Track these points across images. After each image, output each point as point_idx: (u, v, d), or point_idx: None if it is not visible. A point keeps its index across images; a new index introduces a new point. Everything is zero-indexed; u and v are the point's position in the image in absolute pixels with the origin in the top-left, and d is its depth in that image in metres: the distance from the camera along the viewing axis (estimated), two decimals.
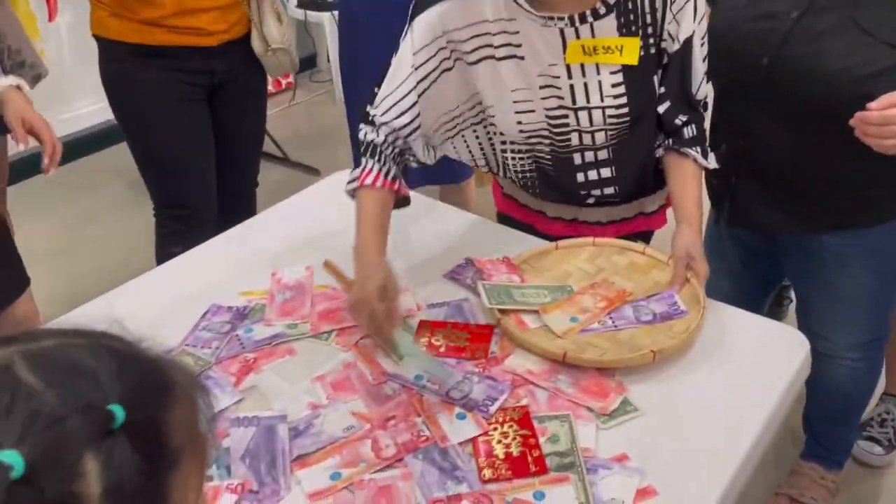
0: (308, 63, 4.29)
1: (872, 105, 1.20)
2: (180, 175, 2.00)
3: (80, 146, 3.42)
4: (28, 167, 3.17)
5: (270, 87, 4.30)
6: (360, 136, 1.31)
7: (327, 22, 3.71)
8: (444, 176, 2.35)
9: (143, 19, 1.83)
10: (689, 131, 1.33)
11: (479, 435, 1.05)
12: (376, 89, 1.31)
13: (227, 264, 1.45)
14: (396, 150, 1.30)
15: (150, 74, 1.88)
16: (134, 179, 3.23)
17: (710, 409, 1.10)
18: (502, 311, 1.23)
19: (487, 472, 1.00)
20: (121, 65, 1.90)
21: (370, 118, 1.30)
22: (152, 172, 2.03)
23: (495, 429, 1.05)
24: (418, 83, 1.27)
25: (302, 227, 1.55)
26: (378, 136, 1.29)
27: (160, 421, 0.50)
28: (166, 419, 0.50)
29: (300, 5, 3.81)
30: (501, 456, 1.02)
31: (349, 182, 1.30)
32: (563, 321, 1.22)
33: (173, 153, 1.97)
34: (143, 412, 0.48)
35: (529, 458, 1.01)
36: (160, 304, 1.34)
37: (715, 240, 1.77)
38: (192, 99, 1.95)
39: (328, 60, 4.04)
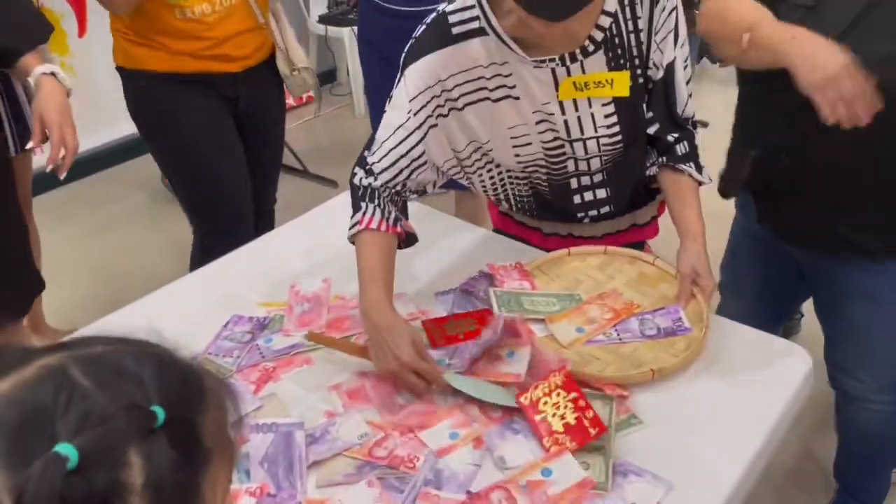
0: (328, 77, 4.37)
1: None
2: (227, 196, 2.01)
3: (102, 158, 3.50)
4: (53, 178, 3.26)
5: (290, 101, 4.40)
6: (355, 181, 1.32)
7: (347, 37, 3.79)
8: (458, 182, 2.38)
9: (177, 50, 1.84)
10: (681, 148, 1.35)
11: (534, 413, 1.10)
12: (373, 135, 1.32)
13: (247, 276, 1.50)
14: (395, 192, 1.31)
15: (185, 102, 1.89)
16: (155, 190, 3.34)
17: (711, 423, 1.13)
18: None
19: (555, 449, 1.06)
20: (152, 94, 1.89)
21: (367, 165, 1.31)
22: (199, 197, 2.03)
23: (545, 402, 1.10)
24: (416, 130, 1.27)
25: (320, 239, 1.60)
26: (375, 180, 1.29)
27: (195, 422, 0.54)
28: (200, 420, 0.55)
29: (321, 21, 3.90)
30: (561, 429, 1.08)
31: (350, 227, 1.29)
32: (569, 331, 1.26)
33: (219, 176, 1.98)
34: (181, 413, 0.53)
35: (586, 422, 1.07)
36: (184, 314, 1.39)
37: (734, 267, 1.73)
38: (225, 122, 1.98)
39: (348, 74, 4.11)
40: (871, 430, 1.62)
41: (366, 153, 1.32)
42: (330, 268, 1.50)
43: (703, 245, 1.30)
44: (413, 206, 1.64)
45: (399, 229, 1.29)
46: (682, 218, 1.32)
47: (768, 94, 1.36)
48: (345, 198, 1.79)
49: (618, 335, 1.26)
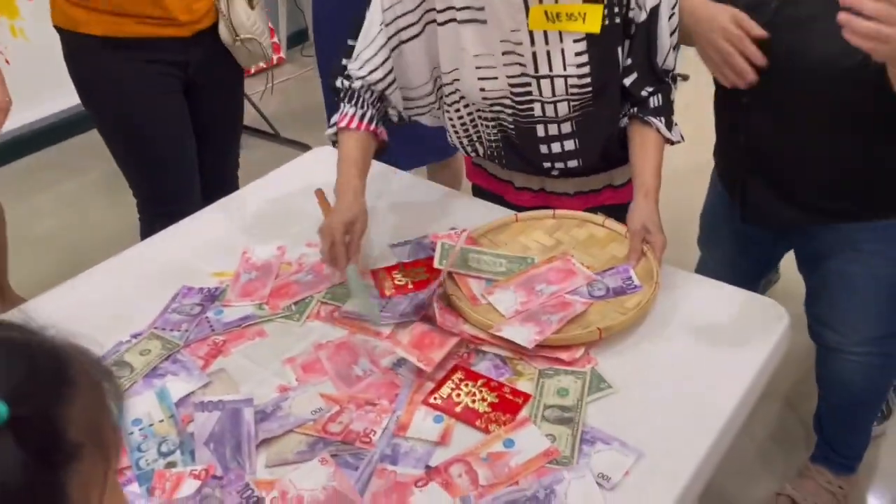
0: (299, 38, 4.23)
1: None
2: (164, 172, 1.92)
3: (62, 128, 3.37)
4: (9, 150, 3.15)
5: (261, 63, 4.28)
6: (337, 84, 1.35)
7: None
8: (432, 154, 2.31)
9: (110, 9, 1.71)
10: (654, 101, 1.30)
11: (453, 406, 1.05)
12: (350, 42, 1.35)
13: (200, 244, 1.42)
14: (374, 96, 1.34)
15: (124, 68, 1.78)
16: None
17: (683, 386, 1.08)
18: (453, 286, 1.21)
19: (493, 427, 1.01)
20: (91, 59, 1.79)
21: (346, 72, 1.34)
22: (135, 170, 1.95)
23: (458, 394, 1.06)
24: (388, 39, 1.30)
25: (279, 203, 1.53)
26: (354, 83, 1.33)
27: (54, 415, 0.47)
28: (62, 413, 0.48)
29: None
30: (488, 409, 1.04)
31: (330, 126, 1.35)
32: (510, 300, 1.19)
33: (155, 150, 1.89)
34: (33, 406, 0.46)
35: (508, 395, 1.05)
36: (132, 286, 1.32)
37: (711, 223, 1.73)
38: (170, 91, 1.87)
39: None
40: (852, 383, 1.60)
41: (345, 61, 1.35)
42: (287, 233, 1.43)
43: (655, 202, 1.25)
44: (384, 170, 1.58)
45: (375, 128, 1.33)
46: (639, 172, 1.28)
47: (723, 91, 1.39)
48: (310, 158, 1.72)
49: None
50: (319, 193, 1.38)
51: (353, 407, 1.05)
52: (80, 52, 1.79)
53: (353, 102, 1.33)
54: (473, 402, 1.05)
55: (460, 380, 1.08)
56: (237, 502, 0.93)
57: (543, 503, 0.90)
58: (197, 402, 1.04)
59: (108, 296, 1.30)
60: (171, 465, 0.98)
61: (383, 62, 1.32)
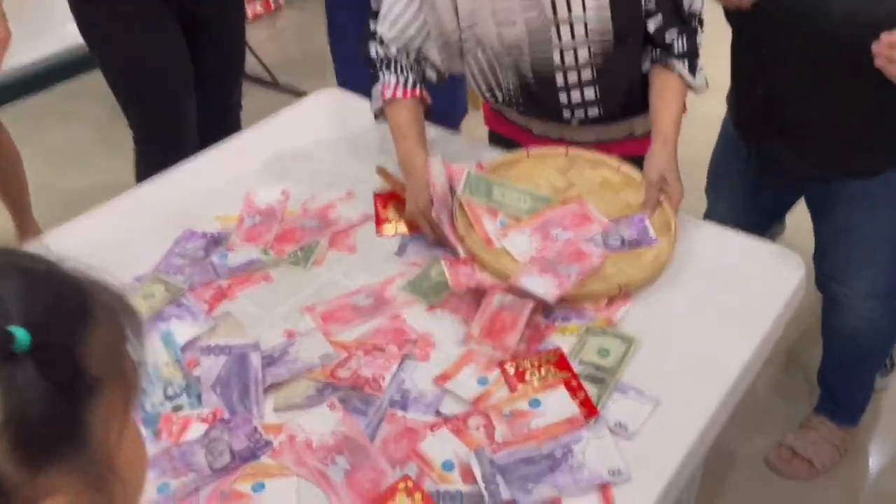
0: None
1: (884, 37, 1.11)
2: (159, 101, 1.90)
3: (60, 70, 3.30)
4: (4, 94, 3.08)
5: (259, 9, 4.17)
6: (371, 53, 1.32)
7: None
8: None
9: None
10: (679, 45, 1.25)
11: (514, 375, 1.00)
12: (374, 6, 1.30)
13: (203, 187, 1.39)
14: (412, 59, 1.31)
15: (124, 6, 1.74)
16: (117, 104, 3.16)
17: (698, 335, 1.06)
18: (467, 229, 1.18)
19: (521, 386, 0.97)
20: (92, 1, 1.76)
21: (377, 35, 1.30)
22: (130, 99, 1.93)
23: (532, 374, 1.00)
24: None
25: (283, 147, 1.49)
26: (390, 49, 1.30)
27: (76, 346, 0.46)
28: (84, 344, 0.46)
29: None
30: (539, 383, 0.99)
31: (373, 102, 1.32)
32: (525, 244, 1.16)
33: (151, 77, 1.86)
34: (55, 336, 0.45)
35: (575, 402, 0.95)
36: (133, 229, 1.29)
37: (720, 167, 1.70)
38: (167, 20, 1.83)
39: None
40: (857, 335, 1.60)
41: (372, 24, 1.31)
42: (291, 177, 1.39)
43: (673, 150, 1.21)
44: None
45: (420, 92, 1.30)
46: (657, 119, 1.24)
47: (740, 34, 1.41)
48: (310, 103, 1.68)
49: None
50: (382, 171, 1.34)
51: (361, 353, 1.04)
52: None
53: (393, 70, 1.29)
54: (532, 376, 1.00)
55: (548, 361, 1.01)
56: (245, 445, 0.91)
57: (560, 461, 0.88)
58: (203, 347, 1.02)
59: (109, 238, 1.27)
60: (178, 408, 0.97)
61: (415, 14, 1.27)
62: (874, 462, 1.78)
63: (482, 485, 0.85)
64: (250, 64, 3.12)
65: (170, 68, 1.87)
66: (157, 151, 1.95)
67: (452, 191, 1.22)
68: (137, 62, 1.83)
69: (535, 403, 0.96)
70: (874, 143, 1.36)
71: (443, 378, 1.00)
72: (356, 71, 1.49)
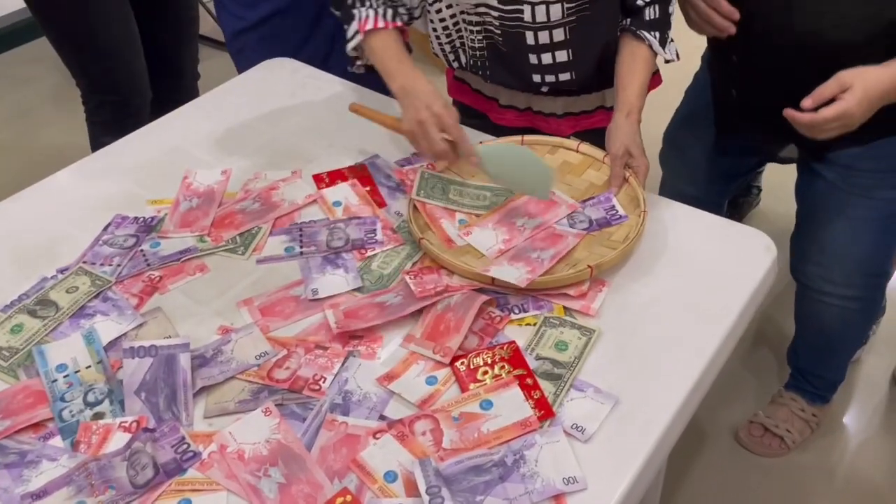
0: None
1: (805, 103, 1.12)
2: (105, 56, 1.82)
3: (9, 35, 3.15)
4: None
5: None
6: None
7: None
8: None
9: None
10: (650, 12, 1.18)
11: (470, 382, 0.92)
12: None
13: (138, 166, 1.29)
14: None
15: None
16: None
17: (662, 325, 0.99)
18: (424, 230, 1.10)
19: (473, 386, 0.91)
20: None
21: None
22: (73, 57, 1.84)
23: (485, 372, 0.93)
24: None
25: (230, 120, 1.39)
26: None
27: None
28: None
29: None
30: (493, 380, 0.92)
31: (349, 40, 1.19)
32: (490, 238, 1.09)
33: (95, 34, 1.77)
34: None
35: (530, 403, 0.89)
36: (59, 215, 1.19)
37: (679, 129, 1.64)
38: None
39: None
40: (831, 327, 1.56)
41: None
42: (234, 155, 1.30)
43: (637, 122, 1.15)
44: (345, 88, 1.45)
45: (401, 24, 1.19)
46: (622, 89, 1.17)
47: (710, 43, 1.44)
48: (265, 69, 1.56)
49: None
50: (357, 107, 1.24)
51: (301, 351, 0.96)
52: None
53: (367, 4, 1.18)
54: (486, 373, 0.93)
55: (503, 358, 0.94)
56: (171, 458, 0.84)
57: (511, 469, 0.82)
58: (126, 348, 0.93)
59: (32, 225, 1.18)
60: (99, 416, 0.89)
61: None
62: (847, 437, 1.75)
63: (426, 499, 0.78)
64: (209, 26, 2.99)
65: (114, 20, 1.78)
66: (104, 111, 1.86)
67: None
68: (81, 13, 1.74)
69: (486, 405, 0.89)
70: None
71: (387, 378, 0.92)
72: None
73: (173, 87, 2.00)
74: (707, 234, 1.13)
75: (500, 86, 1.34)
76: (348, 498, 0.80)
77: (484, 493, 0.80)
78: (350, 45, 1.20)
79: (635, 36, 1.19)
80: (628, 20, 1.20)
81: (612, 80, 1.27)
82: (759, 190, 2.25)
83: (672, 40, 1.22)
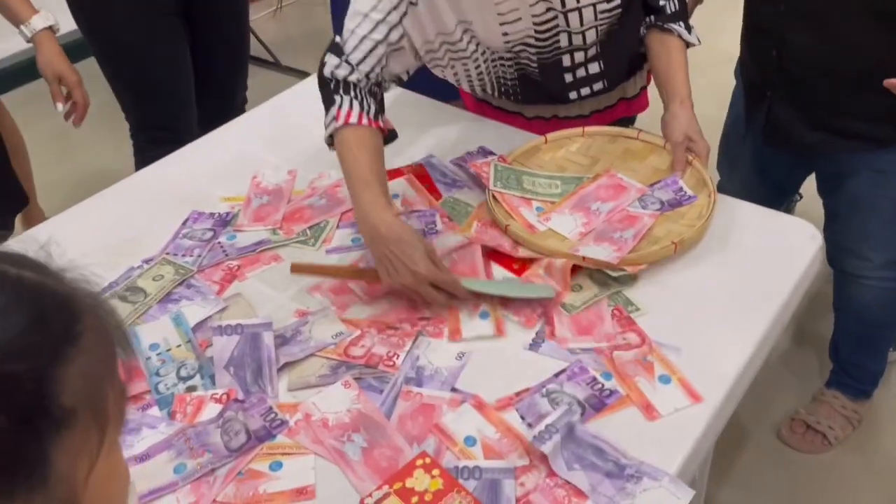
0: None
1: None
2: (158, 96, 1.85)
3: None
4: (9, 79, 3.05)
5: None
6: (327, 71, 1.14)
7: None
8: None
9: None
10: (670, 6, 1.25)
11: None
12: (347, 23, 1.15)
13: (209, 169, 1.38)
14: (372, 83, 1.15)
15: None
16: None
17: (712, 310, 1.05)
18: (505, 214, 1.16)
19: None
20: None
21: (343, 55, 1.14)
22: (128, 95, 1.87)
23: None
24: (393, 10, 1.12)
25: (288, 127, 1.47)
26: (352, 73, 1.13)
27: (49, 375, 0.42)
28: (58, 374, 0.42)
29: None
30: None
31: (326, 126, 1.13)
32: (570, 223, 1.15)
33: (151, 74, 1.81)
34: (27, 364, 0.41)
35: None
36: (140, 212, 1.28)
37: (731, 141, 1.68)
38: (166, 13, 1.77)
39: None
40: (870, 308, 1.58)
41: (338, 40, 1.16)
42: (298, 158, 1.38)
43: (691, 108, 1.21)
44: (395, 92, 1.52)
45: (381, 124, 1.14)
46: (668, 80, 1.22)
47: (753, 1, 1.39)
48: (313, 81, 1.65)
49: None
50: (297, 268, 1.10)
51: (374, 331, 1.03)
52: None
53: (352, 94, 1.12)
54: None
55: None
56: (261, 425, 0.91)
57: (620, 473, 0.85)
58: (215, 327, 1.01)
59: (116, 221, 1.26)
60: (191, 389, 0.96)
61: (386, 35, 1.13)
62: (888, 433, 1.78)
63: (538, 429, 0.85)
64: (252, 44, 3.10)
65: (172, 63, 1.82)
66: (154, 147, 1.89)
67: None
68: (140, 57, 1.78)
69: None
70: (887, 112, 1.33)
71: (455, 333, 1.01)
72: None
73: (224, 108, 2.04)
74: (753, 223, 1.18)
75: (529, 105, 1.39)
76: (427, 461, 0.86)
77: (585, 468, 0.84)
78: (326, 133, 1.14)
79: (663, 30, 1.25)
80: (651, 17, 1.26)
81: (632, 71, 1.34)
82: (800, 197, 2.28)
83: (693, 26, 1.27)
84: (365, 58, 1.13)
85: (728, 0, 1.42)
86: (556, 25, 1.20)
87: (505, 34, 1.20)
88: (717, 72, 1.41)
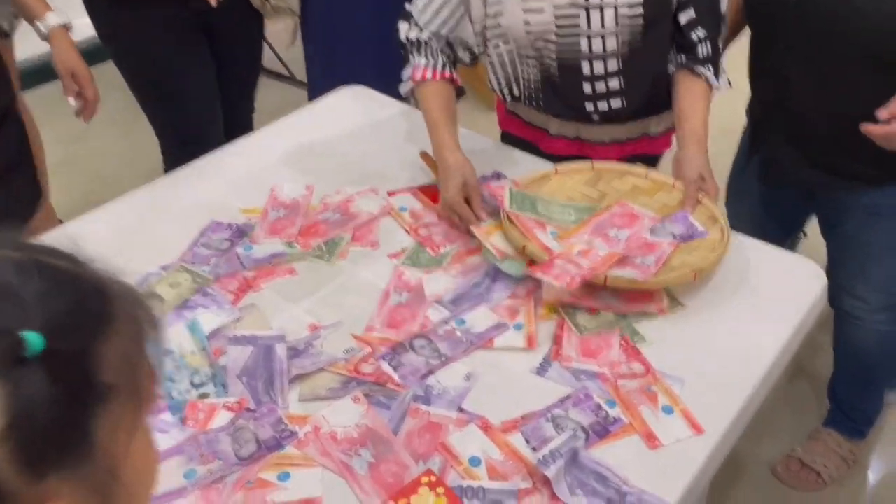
0: None
1: (881, 113, 1.16)
2: (191, 113, 1.88)
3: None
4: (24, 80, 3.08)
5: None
6: (402, 34, 1.34)
7: None
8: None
9: None
10: (704, 49, 1.28)
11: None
12: None
13: (229, 180, 1.40)
14: (443, 43, 1.33)
15: (146, 15, 1.71)
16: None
17: (720, 341, 1.07)
18: (524, 240, 1.17)
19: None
20: (111, 6, 1.73)
21: (411, 18, 1.32)
22: (161, 114, 1.90)
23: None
24: None
25: (306, 142, 1.50)
26: (422, 32, 1.32)
27: (90, 352, 0.45)
28: (98, 351, 0.45)
29: None
30: None
31: (403, 84, 1.35)
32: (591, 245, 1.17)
33: (184, 92, 1.84)
34: (71, 342, 0.44)
35: None
36: (159, 218, 1.30)
37: (738, 178, 1.71)
38: (192, 30, 1.80)
39: None
40: (867, 349, 1.61)
41: (407, 5, 1.33)
42: (316, 171, 1.41)
43: (706, 151, 1.25)
44: (405, 110, 1.55)
45: (450, 75, 1.33)
46: (687, 121, 1.26)
47: (758, 30, 1.40)
48: (333, 98, 1.69)
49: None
50: (425, 156, 1.38)
51: (384, 349, 1.05)
52: (104, 8, 1.73)
53: (423, 53, 1.31)
54: None
55: None
56: (271, 435, 0.93)
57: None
58: (230, 336, 1.03)
59: (135, 226, 1.29)
60: (204, 396, 0.98)
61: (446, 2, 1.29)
62: (882, 473, 1.79)
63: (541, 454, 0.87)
64: (266, 57, 3.13)
65: (202, 83, 1.85)
66: (185, 159, 1.92)
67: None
68: (172, 79, 1.81)
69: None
70: (884, 153, 1.36)
71: (488, 342, 1.06)
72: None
73: (233, 124, 2.05)
74: (759, 261, 1.20)
75: (552, 116, 1.44)
76: (433, 478, 0.87)
77: (587, 494, 0.86)
78: (403, 89, 1.36)
79: (692, 73, 1.28)
80: (683, 57, 1.29)
81: (658, 108, 1.38)
82: (805, 235, 2.30)
83: (724, 71, 1.31)
84: (432, 19, 1.31)
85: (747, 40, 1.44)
86: (577, 24, 1.24)
87: (527, 23, 1.26)
88: (731, 109, 1.44)
